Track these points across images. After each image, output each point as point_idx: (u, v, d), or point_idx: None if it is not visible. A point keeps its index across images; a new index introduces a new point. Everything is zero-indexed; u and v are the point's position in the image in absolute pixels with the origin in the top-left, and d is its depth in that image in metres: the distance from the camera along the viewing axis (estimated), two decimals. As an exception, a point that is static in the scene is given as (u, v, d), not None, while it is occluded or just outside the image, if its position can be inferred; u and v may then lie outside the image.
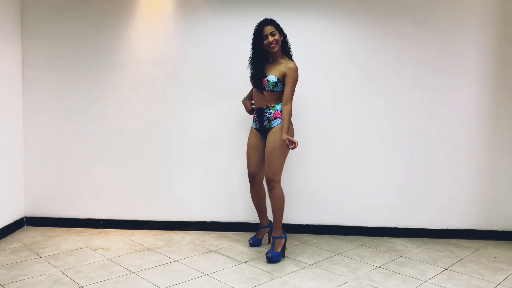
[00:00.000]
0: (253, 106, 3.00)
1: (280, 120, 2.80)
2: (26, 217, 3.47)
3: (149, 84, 3.39)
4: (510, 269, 2.77)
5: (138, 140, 3.42)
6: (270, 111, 2.83)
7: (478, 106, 3.33)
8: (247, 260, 2.82)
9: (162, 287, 2.38)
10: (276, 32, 2.79)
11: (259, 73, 2.84)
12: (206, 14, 3.35)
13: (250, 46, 2.89)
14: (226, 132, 3.40)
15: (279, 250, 2.82)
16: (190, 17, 3.35)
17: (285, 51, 2.87)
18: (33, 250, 2.91)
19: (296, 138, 3.24)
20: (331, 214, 3.42)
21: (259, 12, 3.26)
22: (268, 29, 2.78)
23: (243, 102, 3.04)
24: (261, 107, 2.86)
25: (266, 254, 2.81)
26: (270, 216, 3.18)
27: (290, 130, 2.80)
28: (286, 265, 2.74)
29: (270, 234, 3.13)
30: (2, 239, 3.13)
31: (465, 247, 3.20)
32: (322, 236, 3.39)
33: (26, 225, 3.47)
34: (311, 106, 3.36)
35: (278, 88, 2.79)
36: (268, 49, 2.80)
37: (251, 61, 2.89)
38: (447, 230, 3.39)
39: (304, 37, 3.32)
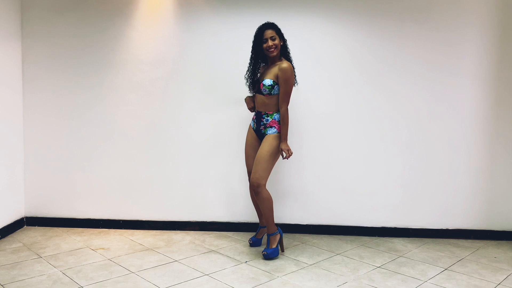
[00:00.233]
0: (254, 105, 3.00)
1: (275, 129, 2.81)
2: (26, 217, 3.47)
3: (149, 84, 3.39)
4: (510, 269, 2.77)
5: (138, 140, 3.42)
6: (268, 118, 2.83)
7: (478, 105, 3.33)
8: (247, 260, 2.82)
9: (162, 287, 2.38)
10: (277, 36, 2.78)
11: (255, 78, 2.87)
12: (206, 14, 3.35)
13: (250, 51, 2.89)
14: (226, 132, 3.40)
15: (274, 246, 2.85)
16: (190, 17, 3.35)
17: (284, 55, 2.86)
18: (33, 250, 2.91)
19: (296, 138, 3.25)
20: (331, 214, 3.42)
21: (259, 12, 3.26)
22: (269, 33, 2.77)
23: (246, 99, 3.03)
24: (260, 112, 2.87)
25: (262, 252, 2.83)
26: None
27: (277, 141, 2.81)
28: (286, 265, 2.74)
29: None
30: (2, 239, 3.13)
31: (465, 247, 3.20)
32: (322, 236, 3.39)
33: (26, 225, 3.47)
34: (312, 106, 3.36)
35: (275, 91, 2.79)
36: (267, 53, 2.80)
37: (250, 67, 2.90)
38: (447, 230, 3.39)
39: (305, 38, 3.32)
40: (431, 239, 3.36)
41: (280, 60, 2.84)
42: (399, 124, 3.36)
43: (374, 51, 3.32)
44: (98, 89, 3.41)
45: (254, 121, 2.95)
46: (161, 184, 3.44)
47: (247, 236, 3.31)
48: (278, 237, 2.88)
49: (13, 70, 3.29)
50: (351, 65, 3.34)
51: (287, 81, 2.75)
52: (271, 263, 2.76)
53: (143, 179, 3.44)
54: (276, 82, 2.77)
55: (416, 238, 3.37)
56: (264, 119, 2.84)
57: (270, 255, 2.80)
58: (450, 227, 3.40)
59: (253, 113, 3.01)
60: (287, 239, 3.25)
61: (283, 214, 3.39)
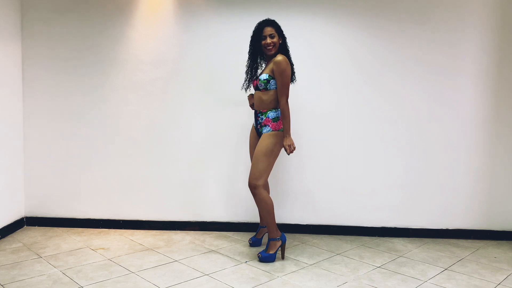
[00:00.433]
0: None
1: (269, 127, 2.75)
2: (26, 217, 3.47)
3: (149, 84, 3.39)
4: (510, 269, 2.77)
5: (138, 140, 3.42)
6: (262, 117, 2.79)
7: (478, 106, 3.33)
8: (247, 260, 2.82)
9: (162, 287, 2.38)
10: (276, 34, 2.75)
11: (253, 75, 2.85)
12: (206, 14, 3.35)
13: (249, 47, 2.87)
14: (226, 131, 3.40)
15: (271, 252, 2.77)
16: (190, 17, 3.35)
17: (284, 53, 2.80)
18: (33, 250, 2.91)
19: (296, 138, 3.24)
20: (331, 214, 3.42)
21: (260, 12, 3.26)
22: (268, 30, 2.74)
23: (248, 97, 3.01)
24: (256, 111, 2.85)
25: (258, 254, 2.81)
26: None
27: (278, 136, 2.74)
28: (286, 265, 2.74)
29: None
30: (2, 239, 3.13)
31: (465, 247, 3.20)
32: (322, 236, 3.39)
33: (26, 225, 3.47)
34: (312, 106, 3.36)
35: (271, 86, 2.73)
36: (265, 50, 2.78)
37: (248, 65, 2.88)
38: (447, 230, 3.39)
39: (305, 38, 3.32)
40: (431, 239, 3.36)
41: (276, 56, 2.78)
42: (399, 124, 3.36)
43: (374, 51, 3.32)
44: (98, 89, 3.41)
45: (254, 121, 2.94)
46: (161, 184, 3.44)
47: (247, 236, 3.31)
48: (279, 243, 2.80)
49: (13, 71, 3.29)
50: (351, 65, 3.34)
51: (283, 73, 2.67)
52: (271, 263, 2.76)
53: (144, 179, 3.44)
54: (271, 76, 2.72)
55: (416, 238, 3.37)
56: (259, 118, 2.81)
57: (263, 259, 2.76)
58: (450, 227, 3.40)
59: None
60: (287, 239, 3.24)
61: (283, 214, 3.39)
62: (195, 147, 3.42)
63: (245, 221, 3.44)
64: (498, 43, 3.30)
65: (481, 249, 3.16)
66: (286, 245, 3.09)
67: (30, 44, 3.38)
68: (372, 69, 3.34)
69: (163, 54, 3.38)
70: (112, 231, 3.40)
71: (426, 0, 3.29)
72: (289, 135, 2.72)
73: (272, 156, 2.74)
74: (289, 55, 2.84)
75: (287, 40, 2.87)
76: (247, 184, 2.78)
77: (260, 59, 2.90)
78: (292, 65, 2.82)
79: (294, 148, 2.72)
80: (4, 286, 2.34)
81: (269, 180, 3.22)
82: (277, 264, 2.76)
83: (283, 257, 2.84)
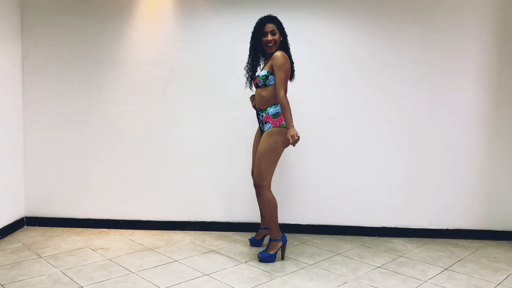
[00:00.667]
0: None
1: (269, 124, 2.70)
2: (26, 217, 3.47)
3: (149, 84, 3.39)
4: (510, 269, 2.77)
5: (138, 140, 3.42)
6: (263, 114, 2.76)
7: (478, 106, 3.34)
8: (247, 260, 2.82)
9: (162, 287, 2.38)
10: (277, 31, 2.72)
11: (253, 72, 2.83)
12: (206, 14, 3.35)
13: (249, 43, 2.85)
14: (226, 131, 3.40)
15: (272, 252, 2.77)
16: (190, 17, 3.35)
17: (284, 51, 2.77)
18: (33, 250, 2.91)
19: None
20: (331, 214, 3.42)
21: (260, 12, 3.25)
22: (270, 26, 2.71)
23: (250, 98, 2.98)
24: (257, 109, 2.82)
25: (258, 254, 2.81)
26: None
27: (281, 133, 2.68)
28: (286, 265, 2.74)
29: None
30: (2, 239, 3.13)
31: (465, 247, 3.20)
32: (322, 236, 3.39)
33: (26, 225, 3.47)
34: (312, 106, 3.36)
35: (270, 82, 2.70)
36: (265, 47, 2.75)
37: (248, 61, 2.86)
38: (447, 230, 3.39)
39: (305, 38, 3.32)
40: (431, 239, 3.36)
41: None
42: (399, 124, 3.36)
43: (374, 51, 3.32)
44: (98, 89, 3.41)
45: (258, 121, 2.91)
46: (161, 184, 3.44)
47: (247, 236, 3.31)
48: (279, 244, 2.80)
49: (13, 71, 3.29)
50: (351, 65, 3.34)
51: (281, 67, 2.62)
52: (271, 263, 2.76)
53: (143, 179, 3.44)
54: (270, 72, 2.69)
55: (416, 238, 3.37)
56: (260, 116, 2.78)
57: (263, 259, 2.76)
58: (450, 227, 3.40)
59: None
60: (287, 239, 3.24)
61: (283, 214, 3.38)
62: (195, 147, 3.42)
63: (245, 221, 3.44)
64: (498, 43, 3.30)
65: (481, 249, 3.16)
66: (286, 245, 3.09)
67: (30, 45, 3.38)
68: (372, 69, 3.34)
69: (163, 54, 3.38)
70: (112, 231, 3.40)
71: (426, 0, 3.29)
72: (292, 126, 2.60)
73: (274, 154, 2.69)
74: (289, 52, 2.81)
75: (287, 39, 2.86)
76: (250, 183, 2.76)
77: (261, 56, 2.86)
78: (292, 63, 2.79)
79: (298, 137, 2.59)
80: (4, 286, 2.34)
81: (269, 180, 3.22)
82: (277, 264, 2.76)
83: (283, 258, 2.84)
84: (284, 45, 2.79)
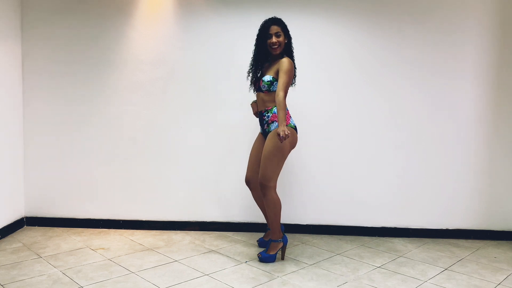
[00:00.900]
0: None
1: (277, 123, 2.68)
2: (26, 217, 3.47)
3: (149, 84, 3.39)
4: (510, 269, 2.77)
5: (138, 140, 3.42)
6: (268, 114, 2.75)
7: (478, 107, 3.34)
8: (247, 260, 2.82)
9: (162, 287, 2.38)
10: (282, 34, 2.72)
11: (256, 74, 2.81)
12: (206, 14, 3.35)
13: (254, 45, 2.84)
14: (226, 132, 3.40)
15: (272, 253, 2.77)
16: (190, 17, 3.35)
17: (288, 54, 2.79)
18: (33, 250, 2.91)
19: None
20: (331, 214, 3.42)
21: (260, 12, 3.26)
22: (274, 28, 2.71)
23: (252, 104, 2.94)
24: (261, 111, 2.81)
25: (258, 254, 2.81)
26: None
27: (290, 133, 2.67)
28: (286, 265, 2.74)
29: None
30: (2, 239, 3.13)
31: (465, 247, 3.20)
32: (322, 236, 3.39)
33: (26, 225, 3.47)
34: (312, 106, 3.36)
35: (274, 87, 2.70)
36: (270, 49, 2.74)
37: (252, 63, 2.84)
38: (447, 230, 3.39)
39: (306, 38, 3.32)
40: (431, 239, 3.36)
41: (282, 57, 2.74)
42: (399, 124, 3.36)
43: (374, 51, 3.33)
44: (98, 89, 3.41)
45: (260, 125, 2.88)
46: (161, 184, 3.44)
47: (247, 236, 3.31)
48: (280, 245, 2.80)
49: (13, 71, 3.29)
50: (351, 65, 3.35)
51: (286, 72, 2.63)
52: (271, 263, 2.76)
53: (143, 179, 3.44)
54: (275, 78, 2.69)
55: (416, 238, 3.37)
56: (265, 116, 2.77)
57: (263, 260, 2.76)
58: (450, 227, 3.40)
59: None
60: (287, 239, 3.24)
61: (283, 214, 3.38)
62: (195, 147, 3.42)
63: (245, 221, 3.44)
64: (498, 43, 3.30)
65: (481, 249, 3.16)
66: (287, 246, 3.08)
67: (30, 45, 3.38)
68: (372, 69, 3.34)
69: (163, 54, 3.38)
70: (112, 231, 3.40)
71: (426, 0, 3.29)
72: (284, 125, 2.53)
73: (281, 154, 2.67)
74: (293, 56, 2.82)
75: (292, 41, 2.85)
76: (259, 183, 2.72)
77: (265, 59, 2.84)
78: (295, 68, 2.80)
79: (286, 135, 2.50)
80: (4, 286, 2.34)
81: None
82: (277, 264, 2.76)
83: (283, 258, 2.84)
84: (288, 47, 2.79)
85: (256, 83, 2.83)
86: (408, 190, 3.39)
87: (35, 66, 3.39)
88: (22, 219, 3.44)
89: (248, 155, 3.22)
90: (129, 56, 3.39)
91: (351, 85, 3.35)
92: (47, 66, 3.39)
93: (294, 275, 2.58)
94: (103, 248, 2.98)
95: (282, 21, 2.76)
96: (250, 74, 2.87)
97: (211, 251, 2.98)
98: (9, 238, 3.16)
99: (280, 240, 2.80)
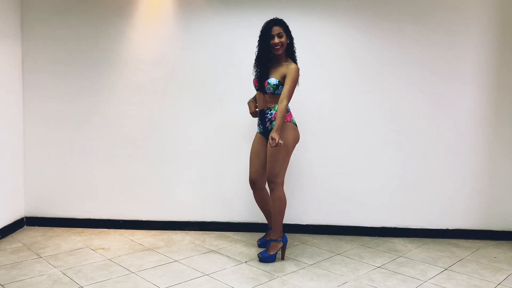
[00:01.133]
0: (257, 109, 2.92)
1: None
2: (26, 217, 3.47)
3: (149, 84, 3.39)
4: (510, 269, 2.77)
5: (138, 140, 3.42)
6: (271, 111, 2.77)
7: (478, 106, 3.34)
8: (247, 260, 2.82)
9: (162, 287, 2.38)
10: (284, 34, 2.73)
11: (261, 75, 2.80)
12: (206, 14, 3.35)
13: (256, 45, 2.84)
14: (226, 132, 3.40)
15: (272, 252, 2.78)
16: (190, 17, 3.35)
17: (290, 54, 2.81)
18: (33, 250, 2.91)
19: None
20: (331, 214, 3.42)
21: (259, 12, 3.26)
22: (276, 29, 2.72)
23: (249, 103, 2.98)
24: (263, 109, 2.82)
25: (258, 254, 2.81)
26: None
27: (291, 128, 2.75)
28: (286, 265, 2.74)
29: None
30: (2, 239, 3.13)
31: (465, 247, 3.20)
32: (322, 236, 3.39)
33: (26, 225, 3.47)
34: (312, 107, 3.36)
35: (279, 91, 2.73)
36: (272, 50, 2.75)
37: (255, 62, 2.84)
38: (447, 230, 3.39)
39: (306, 38, 3.31)
40: (431, 239, 3.36)
41: (286, 59, 2.77)
42: (399, 124, 3.36)
43: (374, 51, 3.33)
44: (98, 89, 3.41)
45: (259, 125, 2.89)
46: (161, 184, 3.44)
47: (247, 236, 3.31)
48: (280, 245, 2.81)
49: (13, 71, 3.29)
50: (351, 65, 3.34)
51: (293, 80, 2.68)
52: (271, 263, 2.76)
53: (143, 179, 3.44)
54: (281, 82, 2.71)
55: (416, 238, 3.37)
56: (268, 114, 2.78)
57: (263, 260, 2.76)
58: (450, 227, 3.40)
59: (257, 118, 2.95)
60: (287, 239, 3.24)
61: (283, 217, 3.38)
62: (195, 147, 3.42)
63: (246, 221, 3.44)
64: (498, 44, 3.30)
65: (481, 249, 3.16)
66: (287, 245, 3.08)
67: (30, 45, 3.38)
68: (373, 69, 3.34)
69: (163, 54, 3.38)
70: (112, 231, 3.40)
71: (426, 0, 3.29)
72: (279, 132, 2.59)
73: (286, 150, 2.71)
74: (295, 56, 2.83)
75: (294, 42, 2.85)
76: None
77: (267, 59, 2.83)
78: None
79: (277, 144, 2.53)
80: (4, 286, 2.34)
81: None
82: (277, 264, 2.76)
83: (283, 258, 2.85)
84: (290, 48, 2.81)
85: (260, 84, 2.82)
86: (408, 190, 3.39)
87: (35, 66, 3.39)
88: (22, 219, 3.44)
89: (248, 155, 3.22)
90: (129, 56, 3.39)
91: (350, 85, 3.35)
92: (47, 66, 3.39)
93: (294, 275, 2.58)
94: (103, 248, 2.98)
95: (283, 21, 2.78)
96: (255, 74, 2.85)
97: (211, 251, 2.98)
98: (9, 238, 3.16)
99: (280, 240, 2.80)
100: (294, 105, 3.15)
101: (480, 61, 3.31)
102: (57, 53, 3.38)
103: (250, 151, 3.00)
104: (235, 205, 3.44)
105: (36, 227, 3.45)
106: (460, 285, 2.51)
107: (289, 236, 3.32)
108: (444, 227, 3.40)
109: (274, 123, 2.75)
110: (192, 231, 3.42)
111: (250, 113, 2.97)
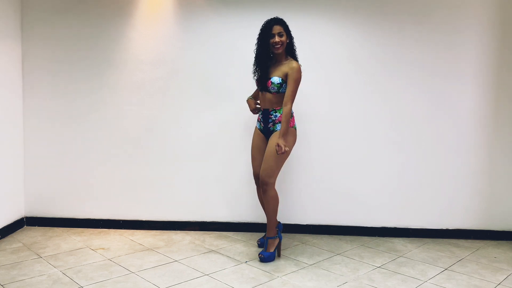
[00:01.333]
0: (258, 106, 2.96)
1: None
2: (26, 217, 3.47)
3: (149, 84, 3.39)
4: (510, 269, 2.77)
5: (138, 140, 3.42)
6: (276, 114, 2.80)
7: (477, 107, 3.34)
8: (247, 260, 2.82)
9: (162, 287, 2.38)
10: (284, 33, 2.75)
11: (263, 74, 2.81)
12: (206, 14, 3.35)
13: (255, 44, 2.84)
14: (226, 132, 3.40)
15: (271, 250, 2.81)
16: (190, 17, 3.35)
17: (290, 53, 2.83)
18: (33, 250, 2.91)
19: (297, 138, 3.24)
20: (331, 214, 3.42)
21: (259, 12, 3.26)
22: (277, 28, 2.74)
23: (248, 101, 3.00)
24: (268, 109, 2.83)
25: (259, 254, 2.81)
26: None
27: (291, 134, 2.79)
28: (286, 265, 2.74)
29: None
30: (2, 239, 3.13)
31: (465, 247, 3.20)
32: (322, 236, 3.39)
33: (26, 225, 3.47)
34: (312, 107, 3.36)
35: (283, 89, 2.75)
36: (273, 49, 2.77)
37: (255, 61, 2.86)
38: (447, 230, 3.39)
39: (306, 38, 3.31)
40: (431, 239, 3.36)
41: (286, 58, 2.80)
42: (399, 124, 3.36)
43: (374, 51, 3.32)
44: (98, 89, 3.41)
45: (260, 122, 2.90)
46: (161, 184, 3.44)
47: (247, 236, 3.31)
48: (276, 241, 2.84)
49: (13, 71, 3.29)
50: (351, 66, 3.34)
51: (296, 81, 2.72)
52: (271, 263, 2.76)
53: (143, 179, 3.44)
54: (284, 80, 2.74)
55: (416, 238, 3.37)
56: (273, 115, 2.81)
57: (266, 259, 2.77)
58: (450, 227, 3.40)
59: (257, 115, 2.97)
60: (287, 239, 3.25)
61: (283, 214, 3.38)
62: (195, 147, 3.42)
63: (245, 221, 3.44)
64: (498, 44, 3.30)
65: (481, 249, 3.16)
66: (287, 245, 3.09)
67: (30, 45, 3.38)
68: (372, 69, 3.34)
69: (163, 54, 3.38)
70: (112, 231, 3.40)
71: (426, 0, 3.29)
72: (286, 136, 2.70)
73: (286, 154, 2.77)
74: (296, 55, 2.85)
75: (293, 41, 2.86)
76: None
77: (267, 58, 2.85)
78: None
79: (285, 151, 2.65)
80: (4, 286, 2.34)
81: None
82: (277, 264, 2.76)
83: (279, 255, 2.87)
84: (290, 47, 2.83)
85: (262, 83, 2.83)
86: (408, 190, 3.39)
87: (35, 66, 3.39)
88: (22, 219, 3.44)
89: (249, 155, 3.22)
90: (129, 56, 3.39)
91: (350, 85, 3.35)
92: (47, 66, 3.39)
93: (294, 275, 2.58)
94: (103, 248, 2.98)
95: (283, 21, 2.80)
96: (256, 74, 2.87)
97: (211, 251, 2.98)
98: (9, 238, 3.16)
99: (276, 237, 2.84)
100: (294, 105, 3.14)
101: (480, 61, 3.31)
102: (57, 53, 3.38)
103: (250, 147, 3.01)
104: (235, 205, 3.44)
105: (36, 227, 3.45)
106: (460, 285, 2.51)
107: (289, 236, 3.32)
108: (444, 227, 3.40)
109: (277, 125, 2.78)
110: (192, 231, 3.42)
111: (251, 110, 2.99)
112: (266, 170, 2.73)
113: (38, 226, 3.46)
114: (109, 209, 3.46)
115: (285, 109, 2.70)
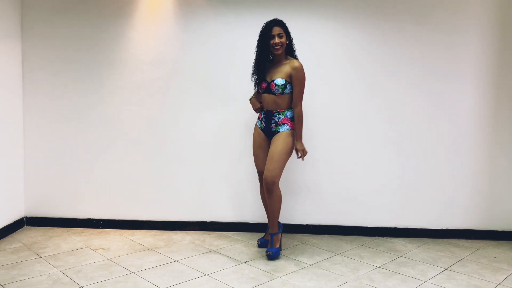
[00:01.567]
0: (261, 105, 2.95)
1: (288, 126, 2.82)
2: (26, 217, 3.47)
3: (149, 84, 3.39)
4: (510, 269, 2.77)
5: (138, 140, 3.42)
6: (280, 116, 2.83)
7: (477, 107, 3.33)
8: (247, 260, 2.82)
9: (162, 287, 2.38)
10: (284, 34, 2.77)
11: (265, 76, 2.83)
12: (206, 14, 3.35)
13: (255, 46, 2.86)
14: (226, 132, 3.40)
15: (278, 245, 2.87)
16: (190, 17, 3.35)
17: (289, 54, 2.85)
18: (33, 250, 2.91)
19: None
20: (331, 214, 3.42)
21: (259, 12, 3.26)
22: (277, 30, 2.76)
23: (251, 100, 3.00)
24: (271, 110, 2.85)
25: (266, 252, 2.82)
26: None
27: (292, 135, 2.83)
28: (286, 265, 2.74)
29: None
30: (2, 239, 3.13)
31: (465, 247, 3.20)
32: (322, 236, 3.39)
33: (26, 225, 3.47)
34: (312, 107, 3.36)
35: (287, 90, 2.78)
36: (272, 50, 2.79)
37: (256, 63, 2.87)
38: (447, 230, 3.39)
39: (306, 38, 3.31)
40: (431, 239, 3.36)
41: (286, 58, 2.82)
42: (399, 124, 3.36)
43: (373, 52, 3.32)
44: (98, 89, 3.41)
45: (261, 121, 2.92)
46: (161, 184, 3.44)
47: (247, 236, 3.31)
48: (280, 236, 2.91)
49: (13, 71, 3.29)
50: (351, 66, 3.34)
51: (302, 80, 2.78)
52: (271, 263, 2.76)
53: (143, 179, 3.44)
54: (288, 81, 2.77)
55: (416, 238, 3.37)
56: (276, 117, 2.83)
57: (274, 255, 2.80)
58: (450, 227, 3.40)
59: (259, 113, 2.98)
60: (287, 239, 3.25)
61: (283, 214, 3.37)
62: (195, 147, 3.42)
63: (246, 221, 3.44)
64: (498, 44, 3.30)
65: (481, 249, 3.16)
66: (287, 245, 3.11)
67: (30, 45, 3.38)
68: (372, 69, 3.34)
69: (163, 54, 3.38)
70: (112, 231, 3.40)
71: (426, 0, 3.29)
72: (301, 139, 2.84)
73: (289, 154, 2.84)
74: (296, 55, 2.88)
75: (293, 42, 2.88)
76: (265, 181, 2.77)
77: (267, 59, 2.88)
78: None
79: (307, 152, 2.86)
80: (4, 286, 2.34)
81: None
82: (277, 264, 2.76)
83: (280, 248, 2.92)
84: (289, 48, 2.85)
85: (262, 84, 2.84)
86: (408, 190, 3.39)
87: (35, 65, 3.39)
88: (22, 219, 3.44)
89: (249, 155, 3.22)
90: (129, 56, 3.39)
91: (350, 85, 3.35)
92: (47, 65, 3.39)
93: (294, 275, 2.58)
94: (103, 248, 2.98)
95: (283, 22, 2.82)
96: (255, 76, 2.89)
97: (211, 251, 2.98)
98: (9, 238, 3.16)
99: (279, 232, 2.91)
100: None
101: (480, 61, 3.31)
102: (57, 52, 3.38)
103: (252, 145, 3.03)
104: (235, 205, 3.44)
105: (36, 227, 3.45)
106: (460, 285, 2.51)
107: (289, 236, 3.32)
108: (444, 227, 3.40)
109: (279, 127, 2.83)
110: (192, 231, 3.42)
111: (254, 109, 2.99)
112: (272, 171, 2.77)
113: (38, 226, 3.46)
114: (109, 209, 3.46)
115: (297, 111, 2.80)
